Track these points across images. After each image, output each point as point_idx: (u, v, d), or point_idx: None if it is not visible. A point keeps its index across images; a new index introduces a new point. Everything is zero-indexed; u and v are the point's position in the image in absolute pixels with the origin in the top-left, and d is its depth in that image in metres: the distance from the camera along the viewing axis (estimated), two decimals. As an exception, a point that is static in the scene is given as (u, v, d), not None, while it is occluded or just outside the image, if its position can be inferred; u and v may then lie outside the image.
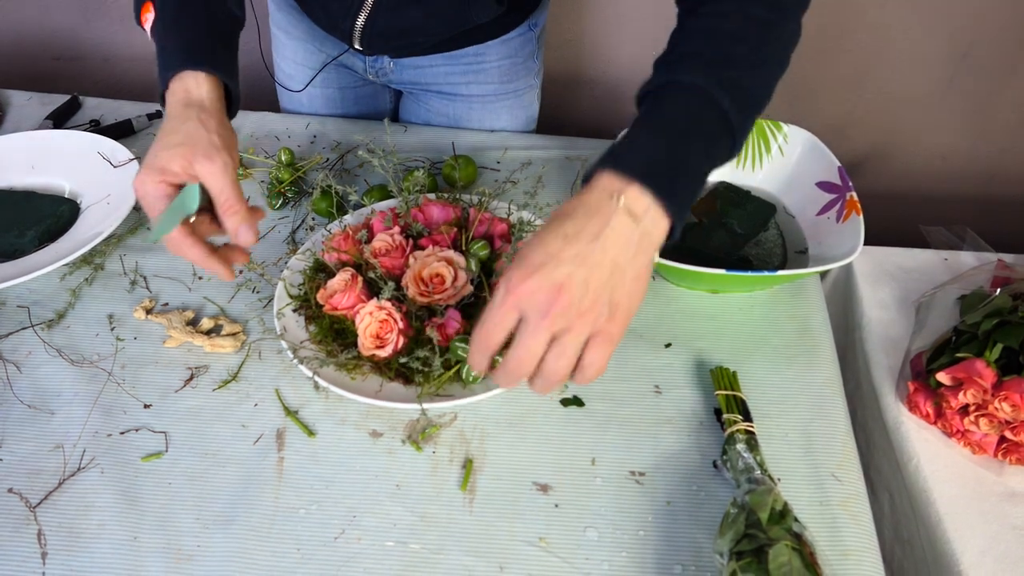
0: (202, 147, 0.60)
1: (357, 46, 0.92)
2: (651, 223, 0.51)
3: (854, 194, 0.83)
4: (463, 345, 0.69)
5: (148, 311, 0.82)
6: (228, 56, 0.68)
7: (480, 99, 1.05)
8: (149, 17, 0.68)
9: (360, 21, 0.88)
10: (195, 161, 0.60)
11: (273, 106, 1.13)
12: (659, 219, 0.52)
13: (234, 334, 0.80)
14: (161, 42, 0.67)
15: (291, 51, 1.06)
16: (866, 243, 0.86)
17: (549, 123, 1.49)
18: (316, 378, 0.70)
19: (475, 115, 1.07)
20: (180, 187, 0.61)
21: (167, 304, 0.84)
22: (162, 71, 0.65)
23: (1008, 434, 0.75)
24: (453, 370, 0.70)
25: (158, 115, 1.09)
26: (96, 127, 1.05)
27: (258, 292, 0.84)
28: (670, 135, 0.54)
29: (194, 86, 0.63)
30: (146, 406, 0.74)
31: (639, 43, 1.41)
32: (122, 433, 0.72)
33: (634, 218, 0.50)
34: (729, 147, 0.57)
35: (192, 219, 0.62)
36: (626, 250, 0.50)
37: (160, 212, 0.61)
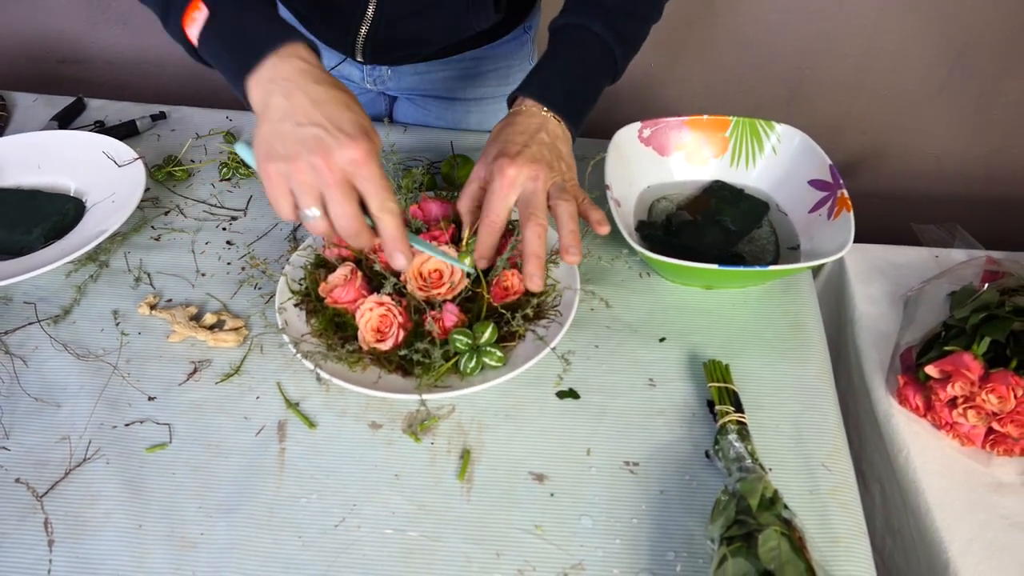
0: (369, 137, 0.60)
1: (359, 58, 0.93)
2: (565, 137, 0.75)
3: (845, 192, 0.85)
4: (461, 338, 0.71)
5: (152, 307, 0.84)
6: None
7: (477, 103, 1.07)
8: (198, 16, 0.63)
9: (362, 34, 0.89)
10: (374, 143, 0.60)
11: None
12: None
13: (236, 329, 0.81)
14: (235, 26, 0.62)
15: None
16: (862, 241, 0.88)
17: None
18: (318, 370, 0.71)
19: (473, 118, 1.08)
20: None
21: (171, 300, 0.86)
22: (254, 49, 0.60)
23: (995, 425, 0.76)
24: (451, 361, 0.72)
25: (162, 116, 1.11)
26: (101, 128, 1.07)
27: (260, 288, 0.86)
28: (576, 74, 0.77)
29: (310, 57, 0.61)
30: (150, 399, 0.76)
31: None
32: (127, 425, 0.74)
33: (558, 125, 0.74)
34: (609, 83, 0.80)
35: None
36: (560, 136, 0.74)
37: (386, 192, 0.60)
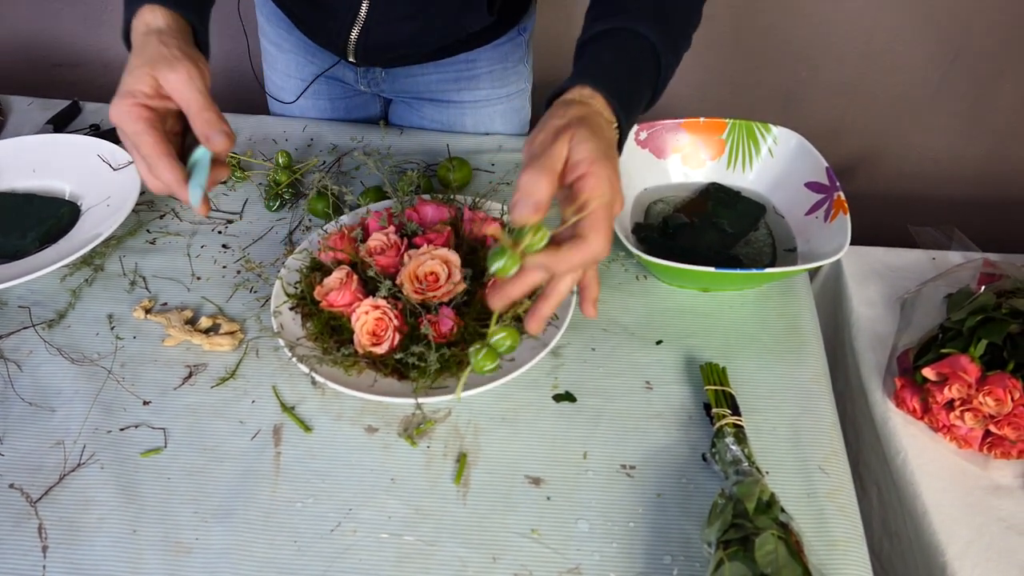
0: (164, 61, 0.59)
1: (351, 59, 0.93)
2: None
3: (841, 194, 0.85)
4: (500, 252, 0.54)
5: (147, 311, 0.84)
6: (197, 2, 0.66)
7: (472, 105, 1.06)
8: None
9: (354, 35, 0.89)
10: (158, 75, 0.59)
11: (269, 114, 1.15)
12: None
13: (232, 333, 0.81)
14: None
15: (282, 64, 1.08)
16: (859, 244, 0.88)
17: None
18: (313, 374, 0.71)
19: (468, 120, 1.08)
20: (155, 111, 0.60)
21: (166, 304, 0.85)
22: (125, 17, 0.64)
23: (992, 428, 0.76)
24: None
25: (157, 119, 1.10)
26: (96, 132, 1.07)
27: (255, 292, 0.86)
28: (634, 81, 0.64)
29: (152, 19, 0.62)
30: (145, 403, 0.76)
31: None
32: (122, 429, 0.74)
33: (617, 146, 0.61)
34: (652, 97, 0.68)
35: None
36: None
37: (143, 141, 0.59)
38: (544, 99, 0.63)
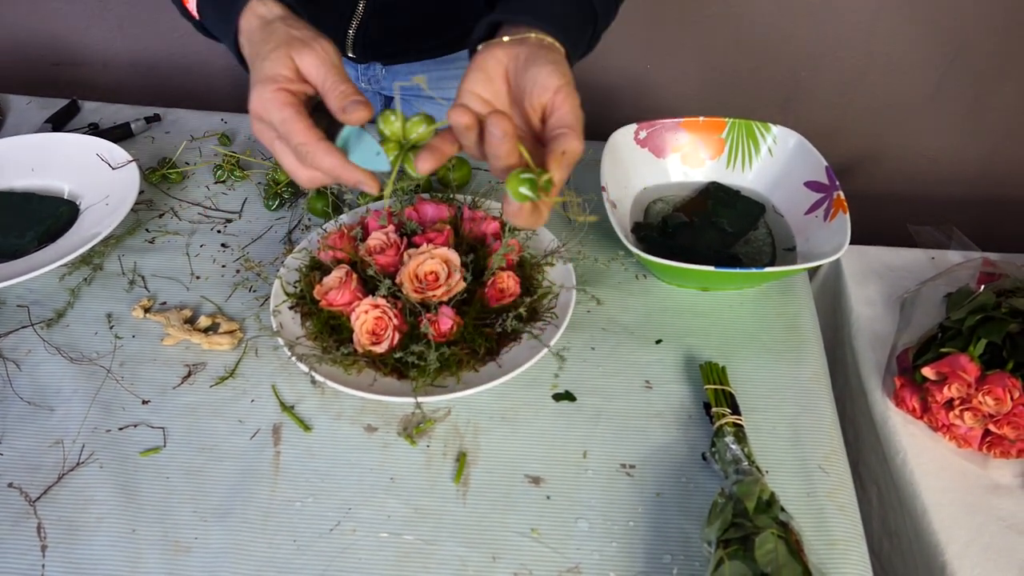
0: (298, 42, 0.57)
1: (350, 54, 0.93)
2: None
3: (841, 193, 0.85)
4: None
5: (146, 310, 0.83)
6: None
7: (450, 104, 1.06)
8: None
9: (352, 29, 0.89)
10: (296, 54, 0.57)
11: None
12: None
13: (231, 332, 0.81)
14: None
15: None
16: (858, 243, 0.88)
17: (543, 126, 1.51)
18: (313, 373, 0.71)
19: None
20: (298, 97, 0.57)
21: (165, 303, 0.85)
22: (227, 16, 0.62)
23: (992, 427, 0.76)
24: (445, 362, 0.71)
25: (156, 119, 1.10)
26: (95, 131, 1.06)
27: (255, 291, 0.86)
28: (581, 27, 0.65)
29: (266, 11, 0.61)
30: (144, 402, 0.76)
31: (632, 49, 1.42)
32: (121, 429, 0.74)
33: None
34: (586, 49, 0.69)
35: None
36: None
37: (295, 128, 0.55)
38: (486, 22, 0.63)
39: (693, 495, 0.69)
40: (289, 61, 0.57)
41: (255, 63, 0.58)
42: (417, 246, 0.77)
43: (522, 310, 0.74)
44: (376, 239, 0.79)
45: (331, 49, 0.58)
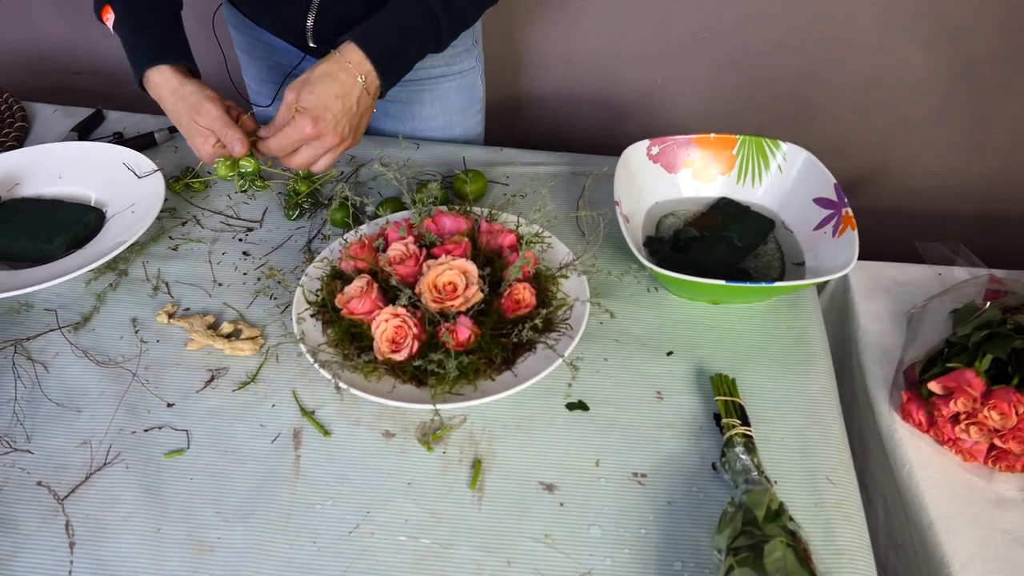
0: (191, 109, 0.82)
1: (312, 44, 0.96)
2: (375, 94, 0.84)
3: (849, 210, 0.86)
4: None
5: (170, 315, 0.86)
6: (178, 40, 0.88)
7: (429, 82, 1.10)
8: (110, 17, 0.87)
9: (310, 21, 0.93)
10: (201, 121, 0.82)
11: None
12: (378, 91, 0.84)
13: (253, 338, 0.83)
14: (126, 40, 0.86)
15: (256, 70, 1.14)
16: (866, 259, 0.89)
17: (555, 140, 1.53)
18: (335, 380, 0.73)
19: (426, 96, 1.12)
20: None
21: (188, 309, 0.87)
22: (134, 67, 0.86)
23: (997, 442, 0.77)
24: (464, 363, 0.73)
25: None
26: (120, 139, 1.09)
27: (275, 299, 0.88)
28: (405, 36, 0.84)
29: (162, 81, 0.84)
30: (169, 405, 0.78)
31: (642, 64, 1.45)
32: (146, 430, 0.76)
33: (370, 95, 0.83)
34: (434, 51, 0.89)
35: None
36: (363, 110, 0.83)
37: (205, 108, 0.82)
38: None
39: (704, 504, 0.70)
40: (204, 131, 0.82)
41: (179, 121, 0.85)
42: (436, 257, 0.80)
43: (538, 321, 0.76)
44: (396, 250, 0.81)
45: (213, 108, 0.82)
